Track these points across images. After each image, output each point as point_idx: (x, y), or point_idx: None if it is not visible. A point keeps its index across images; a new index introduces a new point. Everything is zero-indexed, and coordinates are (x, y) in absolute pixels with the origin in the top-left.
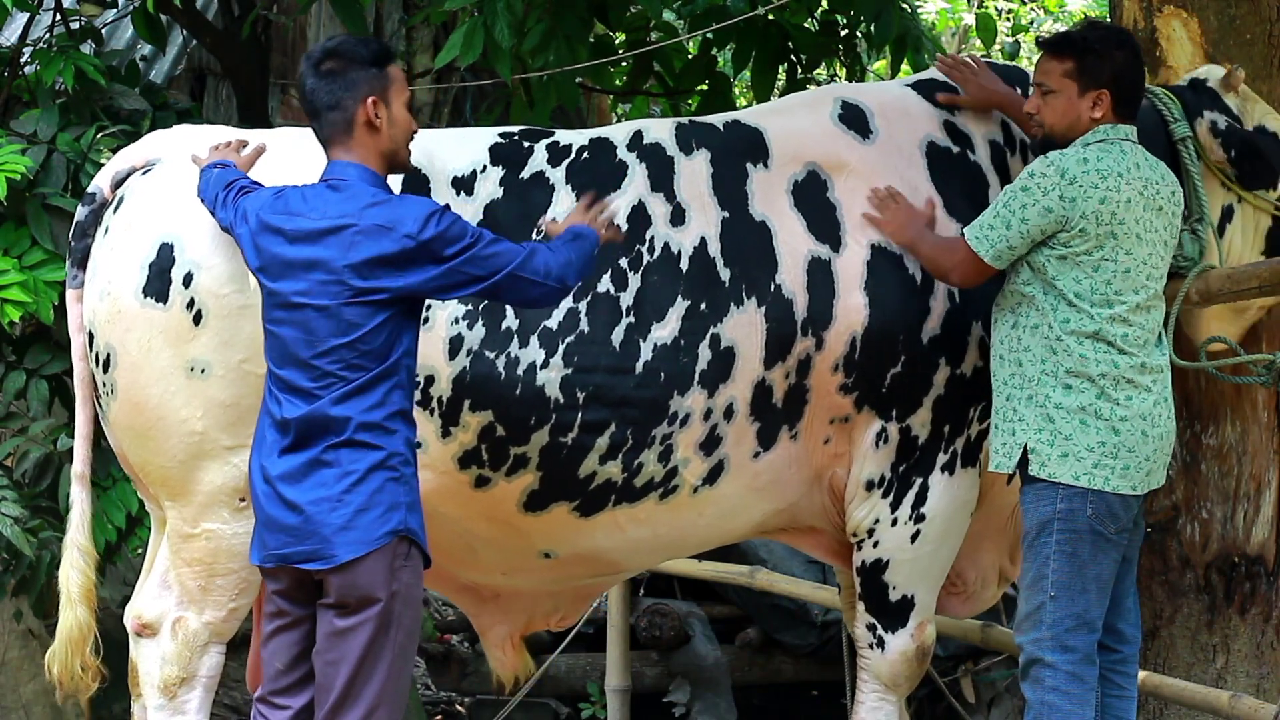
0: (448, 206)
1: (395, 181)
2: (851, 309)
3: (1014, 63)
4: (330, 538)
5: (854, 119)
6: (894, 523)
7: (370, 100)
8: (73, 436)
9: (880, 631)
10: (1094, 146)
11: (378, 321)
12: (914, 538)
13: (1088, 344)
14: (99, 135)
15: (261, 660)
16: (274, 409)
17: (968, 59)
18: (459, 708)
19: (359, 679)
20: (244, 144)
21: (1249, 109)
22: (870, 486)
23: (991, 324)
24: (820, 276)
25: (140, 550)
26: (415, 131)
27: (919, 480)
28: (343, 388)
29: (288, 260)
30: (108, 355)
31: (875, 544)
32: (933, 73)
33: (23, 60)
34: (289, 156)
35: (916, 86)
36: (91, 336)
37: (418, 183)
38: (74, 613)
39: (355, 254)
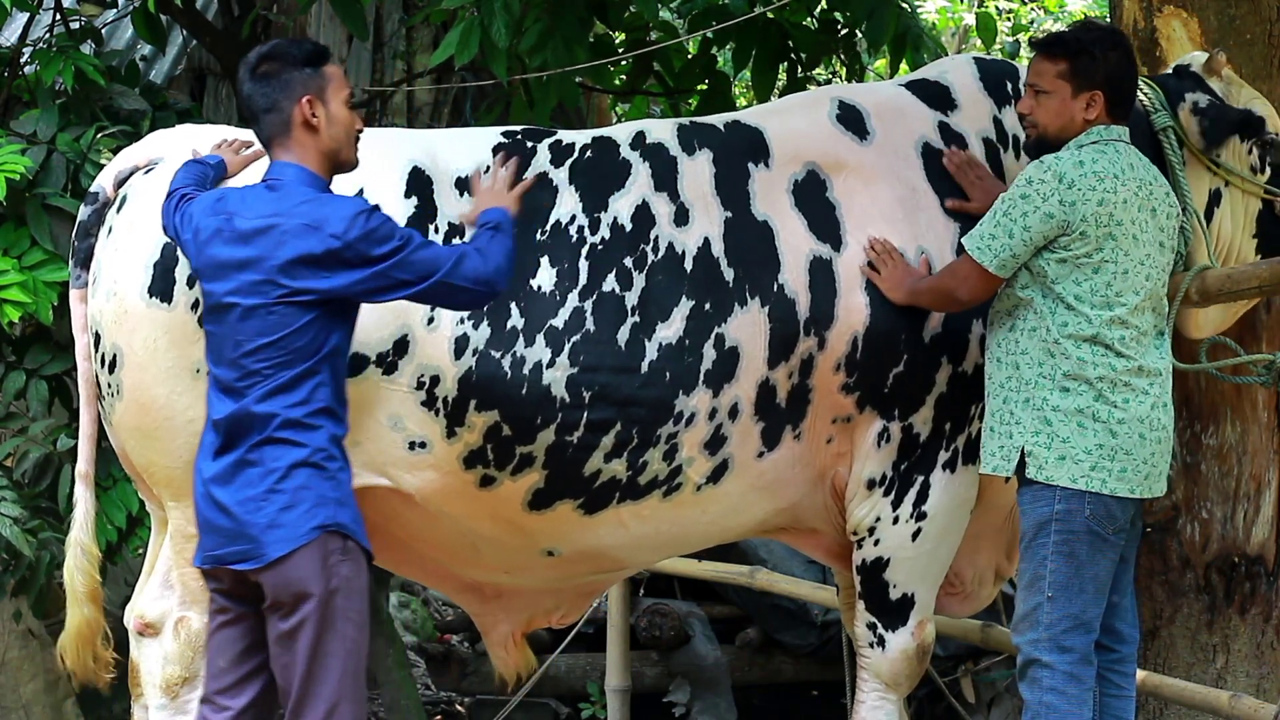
0: (377, 207)
1: (397, 181)
2: (853, 309)
3: (1014, 62)
4: (258, 537)
5: (851, 120)
6: (895, 521)
7: (306, 100)
8: (73, 437)
9: (880, 630)
10: (1089, 148)
11: (304, 321)
12: (915, 536)
13: (1085, 347)
14: (99, 135)
15: (206, 659)
16: (210, 410)
17: (971, 160)
18: (459, 708)
19: (312, 678)
20: (246, 144)
21: (1234, 93)
22: (872, 485)
23: (987, 327)
24: (822, 276)
25: (140, 550)
26: (360, 130)
27: (920, 478)
28: (266, 385)
29: (221, 261)
30: (113, 356)
31: (876, 542)
32: (926, 72)
33: (23, 60)
34: None
35: (911, 86)
36: (98, 337)
37: (421, 183)
38: (81, 611)
39: (282, 253)
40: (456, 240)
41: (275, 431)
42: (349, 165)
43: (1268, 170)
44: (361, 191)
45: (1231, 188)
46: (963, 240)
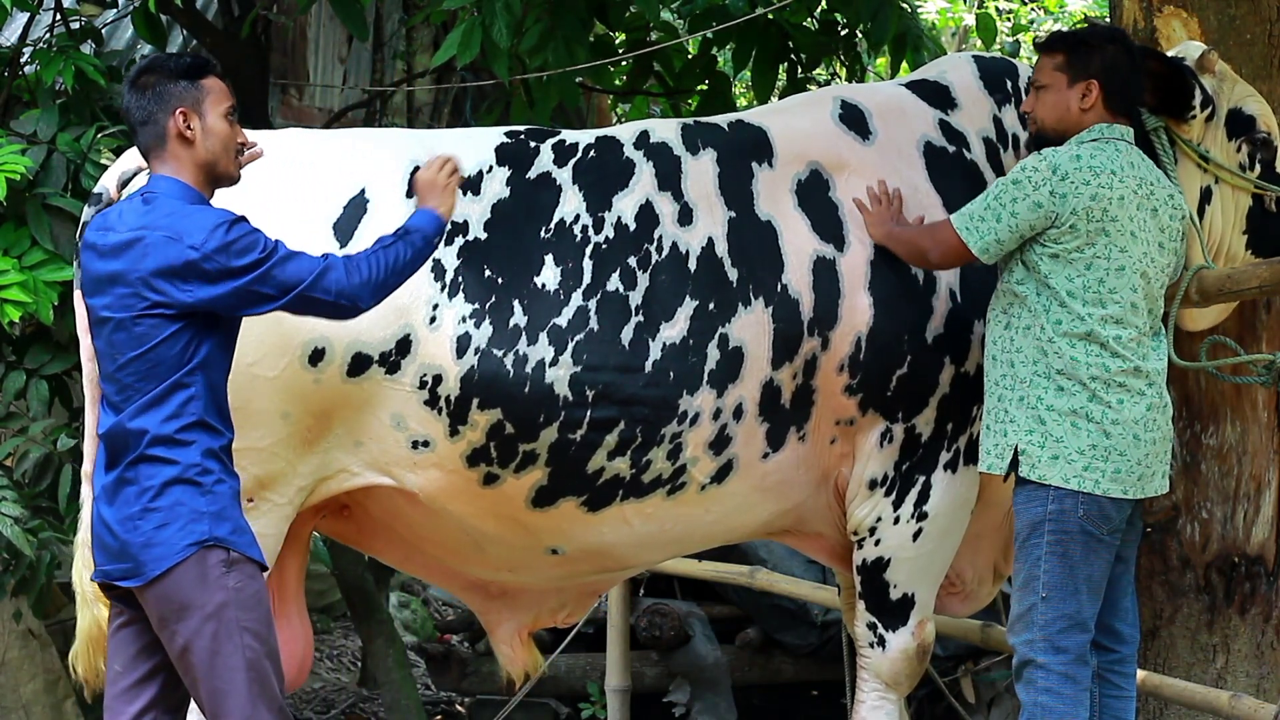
0: (243, 218)
1: (399, 182)
2: (856, 309)
3: (1014, 60)
4: (137, 555)
5: (854, 119)
6: (896, 521)
7: (179, 112)
8: (73, 437)
9: (881, 630)
10: (1088, 144)
11: (169, 332)
12: (916, 536)
13: (1079, 345)
14: (99, 135)
15: (107, 664)
16: (98, 424)
17: (888, 193)
18: (459, 708)
19: (220, 694)
20: (250, 144)
21: (1225, 89)
22: (873, 485)
23: (985, 324)
24: (825, 276)
25: None
26: (242, 143)
27: (922, 478)
28: (138, 400)
29: (96, 275)
30: None
31: (877, 542)
32: (926, 72)
33: (23, 60)
34: (288, 156)
35: (912, 86)
36: None
37: None
38: (91, 612)
39: (145, 265)
40: (458, 240)
41: (147, 449)
42: (229, 178)
43: (1258, 167)
44: (363, 192)
45: (1221, 185)
46: (951, 215)
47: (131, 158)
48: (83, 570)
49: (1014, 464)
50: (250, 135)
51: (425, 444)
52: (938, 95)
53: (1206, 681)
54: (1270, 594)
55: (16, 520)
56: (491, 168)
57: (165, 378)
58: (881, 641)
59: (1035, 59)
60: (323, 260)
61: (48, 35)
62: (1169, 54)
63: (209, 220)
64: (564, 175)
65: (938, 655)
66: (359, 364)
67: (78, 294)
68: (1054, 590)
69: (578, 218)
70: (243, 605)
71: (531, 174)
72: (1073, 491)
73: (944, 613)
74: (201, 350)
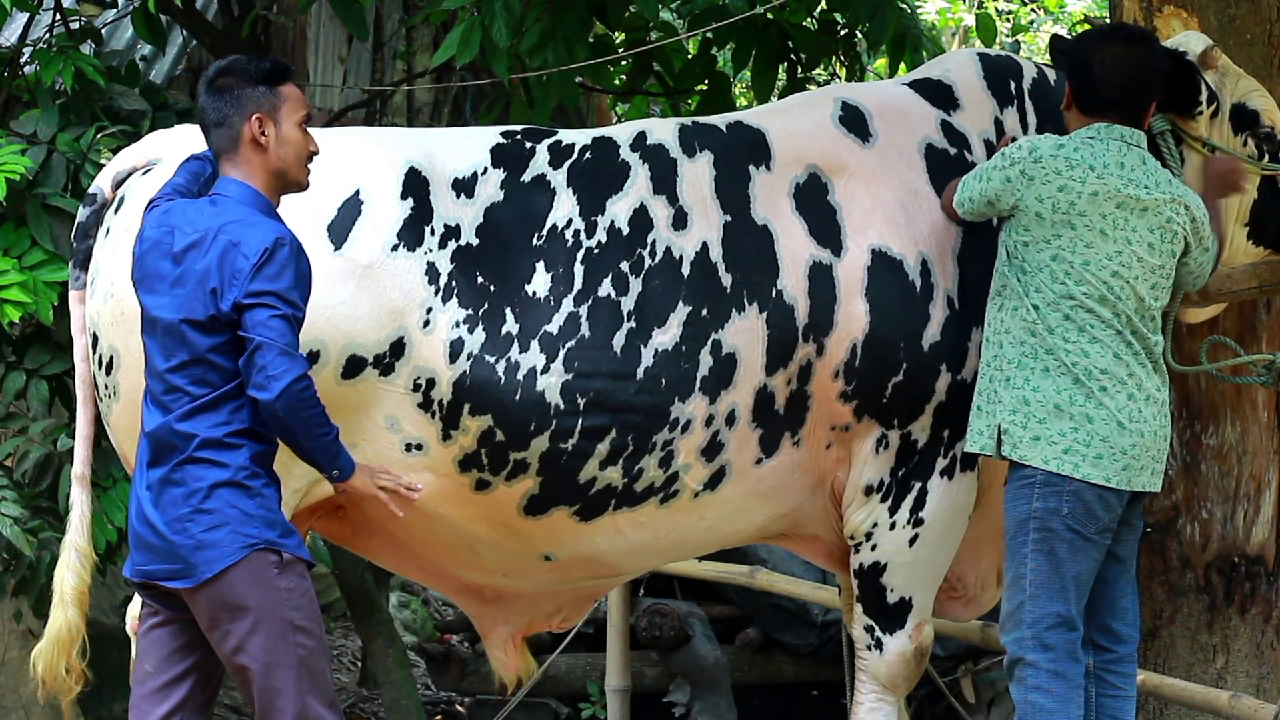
0: (296, 250)
1: (394, 182)
2: (853, 316)
3: (1019, 56)
4: (187, 557)
5: (854, 121)
6: (892, 526)
7: (255, 118)
8: (73, 437)
9: (878, 633)
10: (1078, 137)
11: (224, 340)
12: (912, 541)
13: (1059, 330)
14: (99, 135)
15: (135, 664)
16: (143, 421)
17: None
18: (459, 708)
19: (273, 691)
20: None
21: (1229, 84)
22: (869, 491)
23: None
24: (822, 282)
25: None
26: (314, 152)
27: (918, 485)
28: (189, 404)
29: (158, 273)
30: (111, 357)
31: (873, 547)
32: (930, 70)
33: (23, 60)
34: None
35: (915, 85)
36: (95, 338)
37: (418, 183)
38: (65, 614)
39: (206, 270)
40: (452, 243)
41: (196, 451)
42: (298, 186)
43: (1265, 158)
44: (357, 193)
45: None
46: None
47: (127, 158)
48: (66, 571)
49: (998, 446)
50: None
51: (418, 447)
52: (941, 95)
53: (1206, 681)
54: (1270, 594)
55: (16, 520)
56: (486, 169)
57: (218, 385)
58: (879, 644)
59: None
60: (300, 363)
61: (48, 35)
62: (1166, 44)
63: (268, 234)
64: (559, 178)
65: (937, 655)
66: (353, 366)
67: (73, 295)
68: (1040, 588)
69: (570, 222)
70: (295, 605)
71: (526, 177)
72: (1057, 488)
73: (946, 617)
74: None
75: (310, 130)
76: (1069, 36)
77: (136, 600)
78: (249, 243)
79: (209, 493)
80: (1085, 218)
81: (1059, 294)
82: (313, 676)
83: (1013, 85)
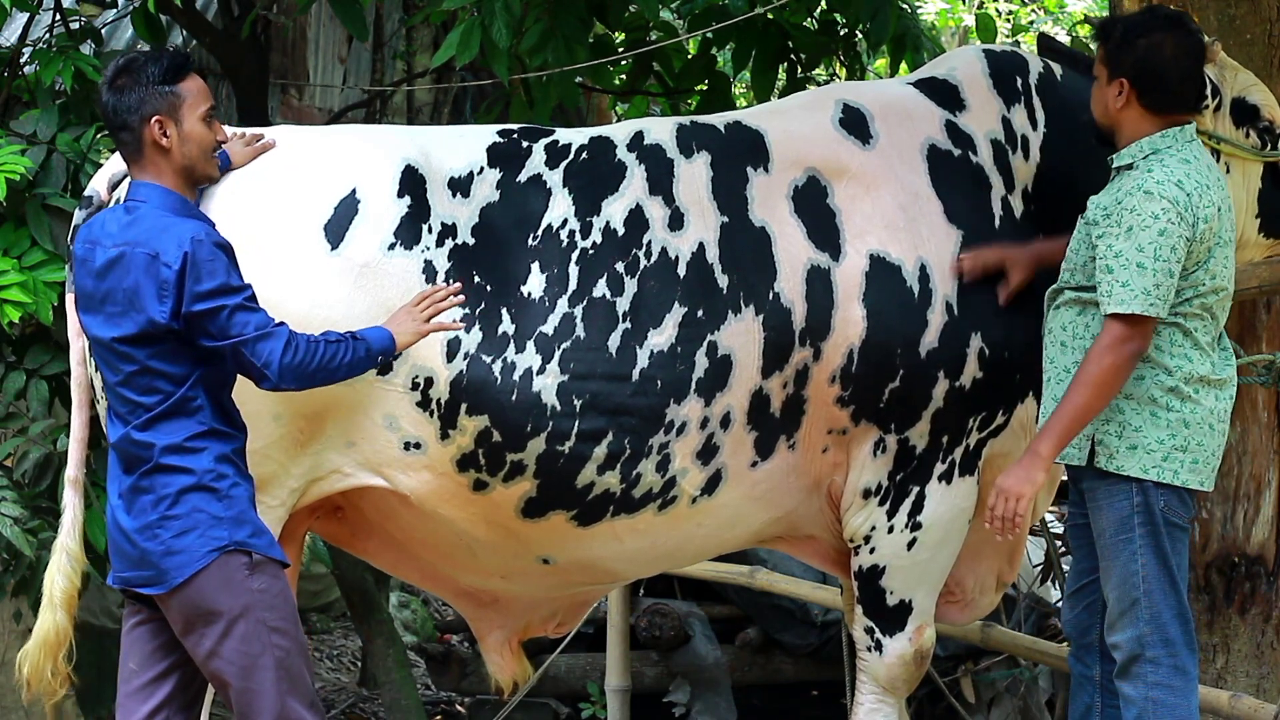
0: (218, 242)
1: (390, 180)
2: (850, 321)
3: (1025, 53)
4: (158, 564)
5: (854, 123)
6: (890, 530)
7: (156, 120)
8: None
9: (878, 635)
10: (1175, 165)
11: (164, 347)
12: (910, 545)
13: (1164, 334)
14: (98, 135)
15: (120, 663)
16: (108, 432)
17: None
18: (459, 708)
19: (250, 693)
20: (258, 136)
21: (1228, 79)
22: (867, 494)
23: (1048, 310)
24: (819, 286)
25: None
26: (220, 141)
27: (916, 489)
28: (144, 414)
29: (88, 292)
30: None
31: (872, 550)
32: (935, 69)
33: (22, 60)
34: (277, 155)
35: (920, 85)
36: None
37: (414, 182)
38: (53, 616)
39: (130, 284)
40: (449, 242)
41: (160, 458)
42: (208, 179)
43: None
44: (354, 192)
45: (1233, 171)
46: (1106, 310)
47: (121, 160)
48: (55, 573)
49: (1090, 456)
50: (243, 130)
51: (417, 446)
52: (945, 95)
53: (1206, 681)
54: (1270, 594)
55: (16, 520)
56: (483, 169)
57: (169, 392)
58: (879, 646)
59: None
60: (272, 325)
61: (47, 35)
62: None
63: (182, 236)
64: (555, 178)
65: (938, 655)
66: None
67: (69, 297)
68: (1154, 583)
69: (565, 222)
70: (269, 606)
71: (522, 176)
72: (1153, 484)
73: (944, 621)
74: (200, 361)
75: (305, 129)
76: (1070, 35)
77: None
78: (167, 251)
79: (176, 498)
80: (1219, 236)
81: (1185, 293)
82: (291, 677)
83: (1019, 82)
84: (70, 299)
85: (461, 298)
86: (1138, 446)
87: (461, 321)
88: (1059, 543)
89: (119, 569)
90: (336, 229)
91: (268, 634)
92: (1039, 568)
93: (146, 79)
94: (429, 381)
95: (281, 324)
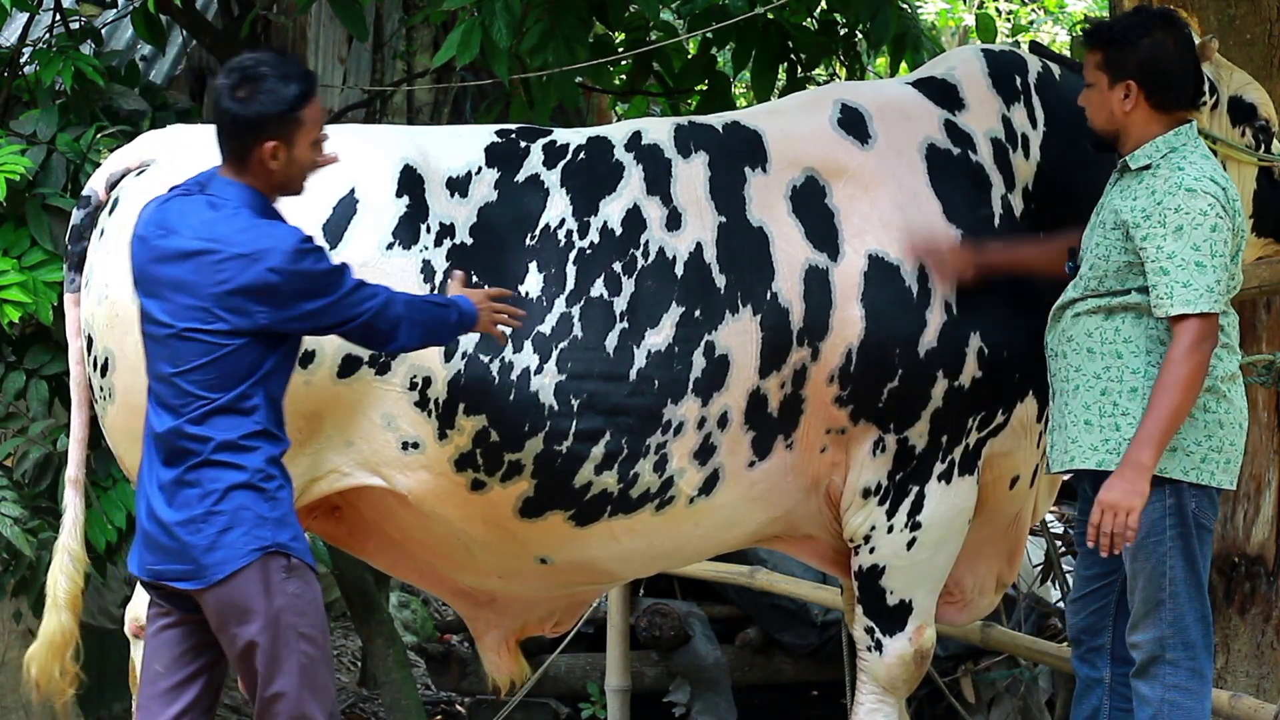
0: (311, 239)
1: (389, 180)
2: (848, 321)
3: (1023, 53)
4: (198, 559)
5: (853, 123)
6: (890, 530)
7: (271, 145)
8: None
9: (878, 634)
10: (1210, 159)
11: (239, 345)
12: (910, 545)
13: None
14: (98, 135)
15: (143, 664)
16: (150, 422)
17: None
18: (459, 708)
19: (275, 695)
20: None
21: (1224, 77)
22: (867, 494)
23: (1065, 319)
24: (817, 286)
25: None
26: (320, 165)
27: (915, 489)
28: (203, 407)
29: (157, 277)
30: (106, 359)
31: (871, 550)
32: (934, 68)
33: (22, 60)
34: None
35: (919, 85)
36: (90, 340)
37: (413, 181)
38: (58, 617)
39: (218, 281)
40: (447, 241)
41: (212, 454)
42: (296, 194)
43: (1262, 150)
44: (353, 192)
45: (1229, 168)
46: (1172, 311)
47: (120, 159)
48: (58, 574)
49: None
50: None
51: (415, 445)
52: (944, 94)
53: None
54: (1270, 594)
55: (16, 520)
56: (481, 169)
57: (232, 388)
58: (879, 645)
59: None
60: (383, 290)
61: (47, 35)
62: None
63: (288, 241)
64: (552, 178)
65: (938, 655)
66: (349, 365)
67: (68, 298)
68: (1181, 586)
69: (563, 222)
70: (301, 611)
71: (520, 176)
72: (1187, 485)
73: (942, 621)
74: (268, 362)
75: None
76: (1071, 35)
77: (135, 600)
78: (270, 255)
79: (224, 494)
80: (1240, 229)
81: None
82: (314, 685)
83: (1018, 81)
84: (67, 292)
85: (521, 323)
86: (1178, 449)
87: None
88: (1059, 543)
89: (150, 561)
90: (335, 228)
91: (296, 639)
92: (1039, 568)
93: (274, 101)
94: (427, 381)
95: (384, 288)
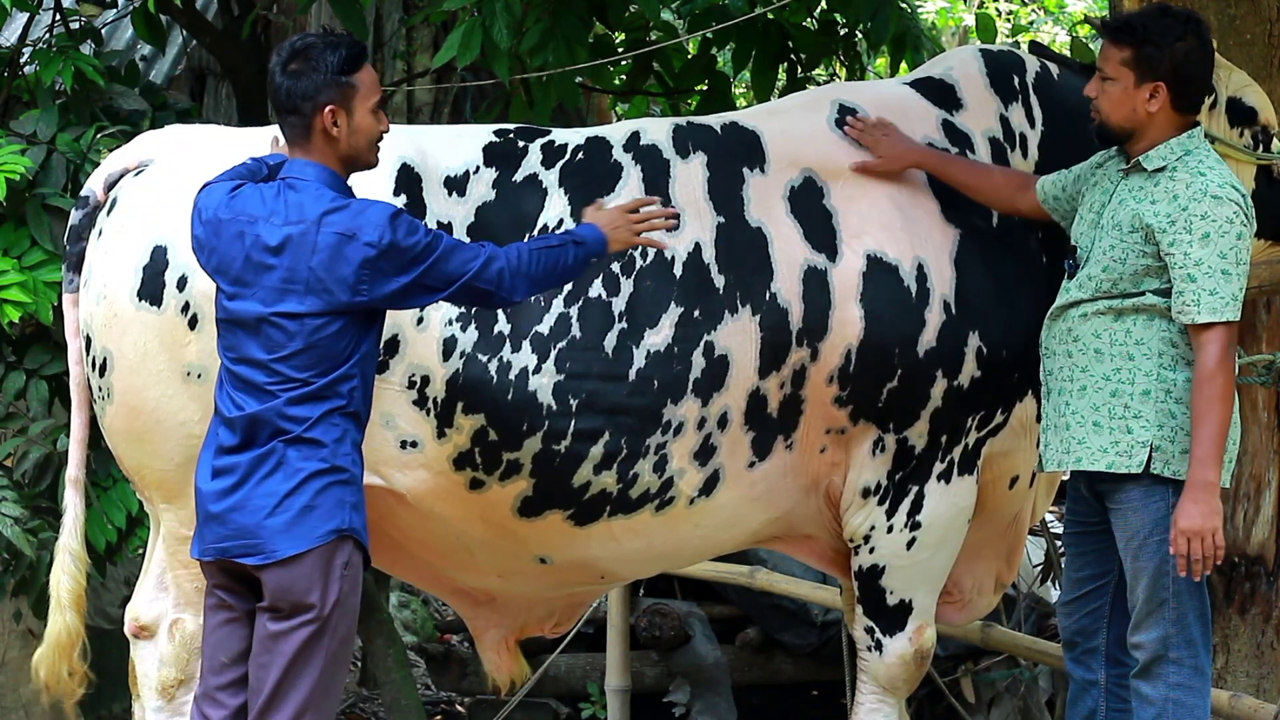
0: (403, 211)
1: (386, 178)
2: (847, 321)
3: (1021, 53)
4: (271, 535)
5: None
6: (890, 529)
7: (329, 109)
8: None
9: (878, 634)
10: (1213, 164)
11: (336, 328)
12: (910, 545)
13: None
14: (98, 135)
15: (204, 654)
16: (225, 406)
17: (879, 121)
18: (459, 708)
19: (286, 683)
20: None
21: (1224, 78)
22: (866, 494)
23: (1070, 319)
24: (816, 286)
25: (141, 550)
26: (384, 132)
27: (915, 488)
28: (298, 390)
29: (244, 264)
30: (104, 359)
31: (871, 550)
32: (931, 68)
33: (22, 60)
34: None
35: (917, 85)
36: (89, 340)
37: (410, 180)
38: (63, 617)
39: (315, 264)
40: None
41: (305, 432)
42: (367, 167)
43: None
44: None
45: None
46: (1199, 319)
47: (118, 159)
48: (60, 574)
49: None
50: (252, 133)
51: (414, 444)
52: (942, 94)
53: None
54: (1270, 594)
55: (16, 520)
56: (479, 168)
57: (330, 370)
58: (879, 645)
59: (1101, 40)
60: (481, 249)
61: (47, 35)
62: None
63: (380, 215)
64: (551, 178)
65: (938, 655)
66: None
67: (66, 298)
68: (1183, 584)
69: (561, 222)
70: (344, 611)
71: (518, 176)
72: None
73: (941, 621)
74: (363, 344)
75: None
76: (1071, 35)
77: (136, 600)
78: (365, 230)
79: (311, 475)
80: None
81: None
82: (325, 691)
83: (1016, 81)
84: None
85: (675, 222)
86: (1189, 451)
87: (669, 241)
88: (1059, 543)
89: (213, 539)
90: None
91: (331, 639)
92: (1039, 568)
93: (324, 67)
94: (425, 380)
95: (484, 243)
